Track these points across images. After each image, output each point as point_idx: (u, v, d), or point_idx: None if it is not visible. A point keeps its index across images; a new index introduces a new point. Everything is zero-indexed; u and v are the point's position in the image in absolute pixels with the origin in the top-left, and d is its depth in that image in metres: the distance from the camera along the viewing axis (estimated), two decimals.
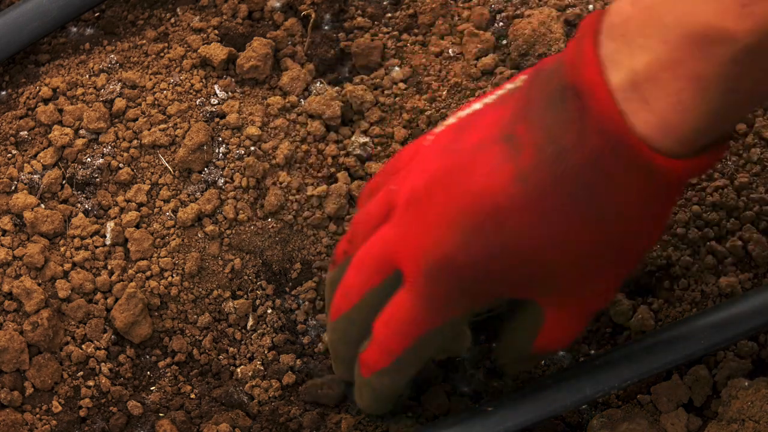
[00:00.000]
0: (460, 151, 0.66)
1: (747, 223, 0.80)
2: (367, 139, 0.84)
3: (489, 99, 0.68)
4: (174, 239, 0.81)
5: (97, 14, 0.90)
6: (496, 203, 0.64)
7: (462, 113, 0.69)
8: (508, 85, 0.67)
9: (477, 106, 0.68)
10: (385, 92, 0.85)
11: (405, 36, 0.88)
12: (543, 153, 0.62)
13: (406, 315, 0.70)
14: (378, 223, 0.72)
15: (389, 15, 0.89)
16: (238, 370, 0.80)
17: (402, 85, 0.86)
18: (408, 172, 0.70)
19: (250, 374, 0.80)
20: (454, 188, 0.66)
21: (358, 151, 0.84)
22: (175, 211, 0.81)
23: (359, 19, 0.88)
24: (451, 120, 0.70)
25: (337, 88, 0.86)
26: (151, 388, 0.79)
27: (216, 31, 0.87)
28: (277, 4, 0.88)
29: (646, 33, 0.58)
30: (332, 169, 0.84)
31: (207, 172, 0.82)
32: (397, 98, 0.85)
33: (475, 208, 0.65)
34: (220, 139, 0.82)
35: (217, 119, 0.83)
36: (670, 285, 0.80)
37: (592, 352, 0.80)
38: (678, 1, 0.56)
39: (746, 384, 0.74)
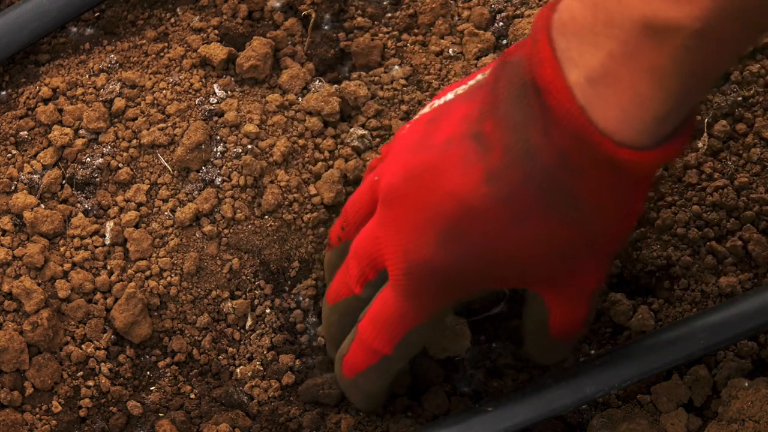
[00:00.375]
0: (431, 148, 0.66)
1: (747, 223, 0.80)
2: (365, 132, 0.84)
3: (461, 89, 0.68)
4: (173, 239, 0.81)
5: (97, 14, 0.90)
6: (469, 204, 0.65)
7: (436, 102, 0.70)
8: (479, 75, 0.67)
9: (449, 96, 0.68)
10: (385, 87, 0.86)
11: (405, 36, 0.87)
12: (511, 152, 0.62)
13: (391, 313, 0.71)
14: (367, 210, 0.73)
15: (389, 15, 0.89)
16: (238, 370, 0.80)
17: (402, 81, 0.86)
18: (387, 164, 0.70)
19: (249, 374, 0.80)
20: (427, 188, 0.66)
21: (355, 143, 0.84)
22: (173, 211, 0.81)
23: (359, 18, 0.88)
24: (425, 109, 0.70)
25: (335, 85, 0.86)
26: (151, 388, 0.79)
27: (216, 31, 0.87)
28: (277, 4, 0.88)
29: (596, 30, 0.58)
30: (330, 162, 0.84)
31: (205, 170, 0.82)
32: (396, 92, 0.85)
33: (449, 210, 0.65)
34: (218, 137, 0.82)
35: (215, 118, 0.83)
36: (670, 285, 0.80)
37: (593, 352, 0.80)
38: None
39: (746, 384, 0.74)
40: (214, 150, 0.82)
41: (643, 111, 0.59)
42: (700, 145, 0.81)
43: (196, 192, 0.82)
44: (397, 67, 0.86)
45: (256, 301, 0.81)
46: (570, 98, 0.60)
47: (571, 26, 0.59)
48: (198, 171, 0.82)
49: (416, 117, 0.71)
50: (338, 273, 0.76)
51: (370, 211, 0.73)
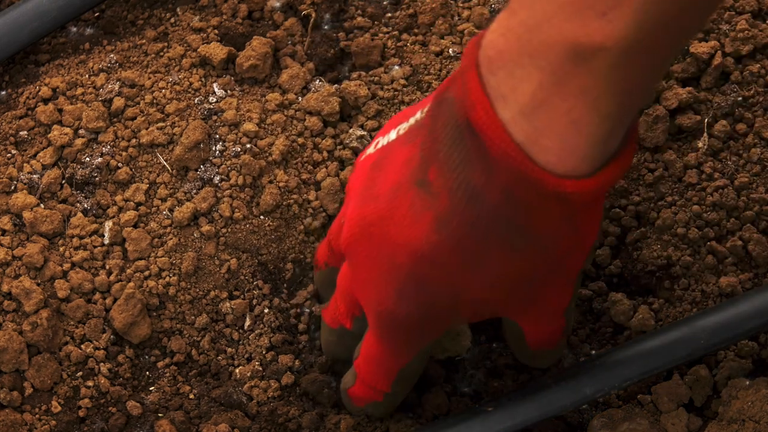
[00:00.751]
0: (379, 198, 0.66)
1: (747, 223, 0.79)
2: (364, 132, 0.84)
3: (403, 127, 0.68)
4: (171, 239, 0.81)
5: (96, 14, 0.90)
6: (422, 254, 0.65)
7: (380, 140, 0.70)
8: (418, 113, 0.67)
9: (392, 135, 0.68)
10: (385, 87, 0.85)
11: (405, 36, 0.87)
12: (456, 196, 0.62)
13: (378, 355, 0.72)
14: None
15: (389, 15, 0.89)
16: (237, 370, 0.80)
17: (402, 81, 0.86)
18: (347, 209, 0.71)
19: (248, 374, 0.80)
20: (380, 241, 0.66)
21: (354, 144, 0.84)
22: (171, 210, 0.81)
23: (359, 18, 0.88)
24: (370, 149, 0.70)
25: (335, 85, 0.86)
26: (150, 389, 0.79)
27: (216, 31, 0.87)
28: (277, 4, 0.88)
29: (522, 62, 0.58)
30: (328, 163, 0.83)
31: (203, 169, 0.82)
32: (397, 93, 0.85)
33: (404, 262, 0.66)
34: (217, 136, 0.82)
35: (214, 117, 0.83)
36: (670, 285, 0.80)
37: (593, 352, 0.80)
38: (543, 27, 0.56)
39: (747, 384, 0.74)
40: (213, 149, 0.82)
41: (581, 137, 0.58)
42: (700, 145, 0.81)
43: (195, 191, 0.82)
44: (397, 67, 0.86)
45: (254, 301, 0.81)
46: (505, 138, 0.59)
47: (498, 61, 0.59)
48: (196, 170, 0.82)
49: (363, 156, 0.71)
50: (332, 300, 0.76)
51: None
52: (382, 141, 0.69)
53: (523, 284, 0.66)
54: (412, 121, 0.67)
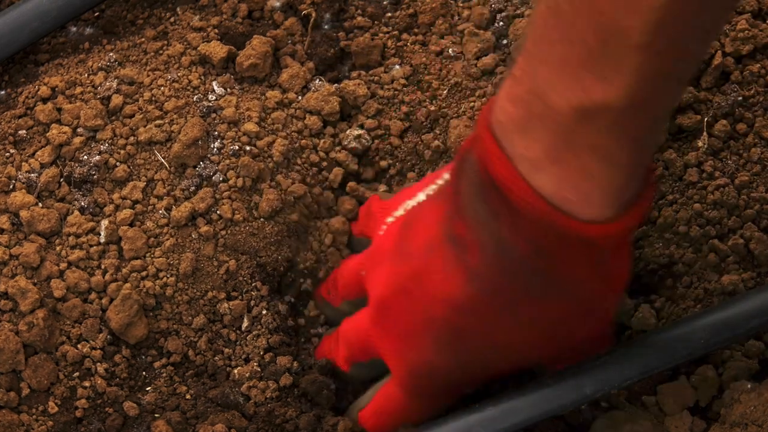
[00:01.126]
0: (412, 255, 0.70)
1: (748, 222, 0.79)
2: (362, 132, 0.84)
3: (430, 189, 0.72)
4: (168, 239, 0.80)
5: (96, 14, 0.90)
6: (458, 305, 0.68)
7: (408, 203, 0.74)
8: (445, 175, 0.70)
9: (421, 196, 0.73)
10: (385, 87, 0.86)
11: (405, 35, 0.88)
12: (487, 249, 0.65)
13: (396, 409, 0.75)
14: (353, 291, 0.78)
15: (389, 14, 0.89)
16: (235, 371, 0.79)
17: (402, 81, 0.86)
18: (373, 271, 0.74)
19: (246, 375, 0.79)
20: (417, 297, 0.70)
21: (353, 144, 0.84)
22: (168, 209, 0.81)
23: (359, 18, 0.89)
24: (399, 211, 0.74)
25: (335, 84, 0.86)
26: (147, 389, 0.79)
27: (216, 31, 0.87)
28: (277, 4, 0.89)
29: (533, 126, 0.61)
30: (324, 164, 0.84)
31: (202, 166, 0.82)
32: (397, 92, 0.85)
33: (440, 314, 0.69)
34: (216, 133, 0.82)
35: (213, 114, 0.83)
36: (672, 283, 0.80)
37: None
38: (548, 94, 0.59)
39: (749, 386, 0.74)
40: (212, 146, 0.82)
41: (598, 188, 0.61)
42: (700, 144, 0.81)
43: (193, 188, 0.81)
44: (397, 66, 0.86)
45: (252, 302, 0.81)
46: (527, 189, 0.62)
47: (510, 125, 0.62)
48: (195, 167, 0.82)
49: (392, 218, 0.75)
50: (332, 349, 0.79)
51: (357, 291, 0.77)
52: (410, 203, 0.73)
53: (559, 330, 0.68)
54: (440, 182, 0.71)
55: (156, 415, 0.78)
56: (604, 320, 0.71)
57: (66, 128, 0.83)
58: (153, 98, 0.84)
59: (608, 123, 0.58)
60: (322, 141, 0.84)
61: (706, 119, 0.81)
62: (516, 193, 0.62)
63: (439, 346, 0.70)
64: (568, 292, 0.66)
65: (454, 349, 0.70)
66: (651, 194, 0.65)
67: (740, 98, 0.81)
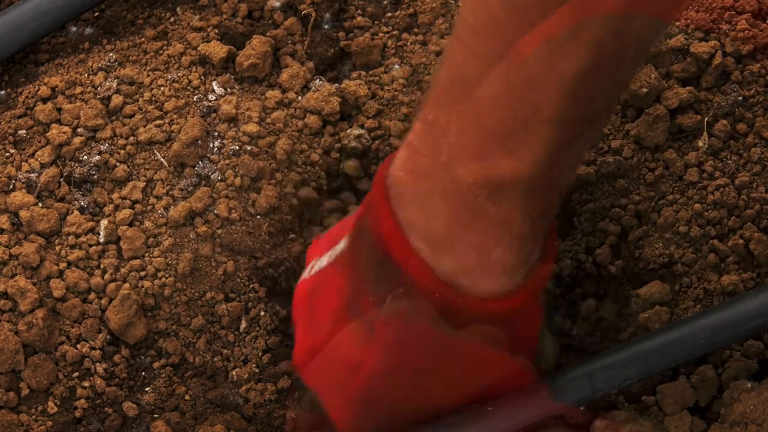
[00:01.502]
0: (321, 326, 0.69)
1: (748, 222, 0.79)
2: (362, 131, 0.84)
3: (332, 254, 0.69)
4: (167, 239, 0.80)
5: (96, 14, 0.90)
6: (371, 377, 0.67)
7: (314, 264, 0.71)
8: (344, 241, 0.68)
9: (323, 262, 0.70)
10: (385, 87, 0.86)
11: (405, 35, 0.88)
12: (391, 327, 0.64)
13: None
14: None
15: (389, 14, 0.89)
16: (233, 372, 0.79)
17: (402, 81, 0.86)
18: (296, 333, 0.73)
19: (245, 377, 0.79)
20: (330, 365, 0.69)
21: (353, 143, 0.84)
22: (167, 209, 0.81)
23: (359, 18, 0.88)
24: (305, 274, 0.72)
25: (335, 84, 0.86)
26: (146, 389, 0.79)
27: (216, 30, 0.87)
28: (277, 4, 0.89)
29: (433, 200, 0.60)
30: (321, 163, 0.84)
31: (201, 165, 0.82)
32: (396, 92, 0.85)
33: (356, 384, 0.68)
34: (216, 133, 0.82)
35: (213, 114, 0.83)
36: (672, 283, 0.79)
37: (594, 351, 0.79)
38: (452, 167, 0.58)
39: (749, 386, 0.74)
40: (211, 146, 0.82)
41: (499, 262, 0.61)
42: (700, 144, 0.81)
43: (191, 187, 0.81)
44: (397, 66, 0.86)
45: (249, 304, 0.81)
46: (425, 271, 0.61)
47: (407, 197, 0.61)
48: (194, 166, 0.82)
49: (301, 279, 0.73)
50: None
51: None
52: (316, 265, 0.71)
53: (476, 381, 0.68)
54: (339, 247, 0.68)
55: (155, 416, 0.78)
56: (520, 364, 0.70)
57: (66, 128, 0.83)
58: (153, 98, 0.84)
59: (514, 197, 0.58)
60: (322, 140, 0.84)
61: (706, 119, 0.81)
62: (413, 273, 0.61)
63: (363, 402, 0.69)
64: (476, 355, 0.65)
65: (376, 402, 0.69)
66: (551, 261, 0.64)
67: (740, 98, 0.81)
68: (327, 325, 0.68)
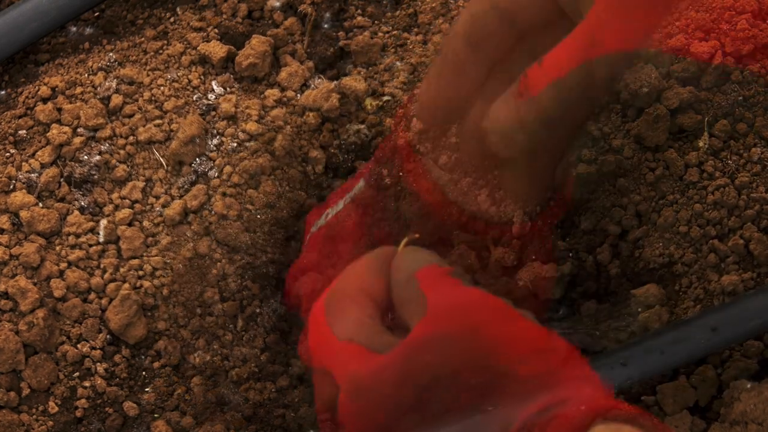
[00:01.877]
0: (339, 266, 0.69)
1: (748, 222, 0.79)
2: (361, 126, 0.84)
3: (350, 195, 0.72)
4: (164, 237, 0.80)
5: (96, 14, 0.90)
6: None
7: (329, 214, 0.74)
8: (359, 184, 0.71)
9: (339, 206, 0.73)
10: (385, 85, 0.86)
11: (405, 35, 0.88)
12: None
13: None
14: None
15: (389, 14, 0.89)
16: (233, 372, 0.79)
17: (402, 79, 0.86)
18: (303, 277, 0.74)
19: (245, 376, 0.79)
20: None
21: (353, 138, 0.84)
22: (165, 206, 0.81)
23: (359, 18, 0.88)
24: (321, 221, 0.74)
25: (335, 82, 0.86)
26: (147, 389, 0.79)
27: (216, 30, 0.87)
28: (277, 4, 0.88)
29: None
30: (321, 160, 0.84)
31: (198, 162, 0.82)
32: (397, 90, 0.85)
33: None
34: (215, 131, 0.82)
35: (212, 112, 0.83)
36: (672, 283, 0.79)
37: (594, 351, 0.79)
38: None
39: (749, 386, 0.74)
40: (210, 143, 0.82)
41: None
42: (701, 144, 0.81)
43: (188, 185, 0.81)
44: (397, 63, 0.86)
45: (245, 302, 0.81)
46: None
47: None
48: (191, 164, 0.82)
49: (315, 228, 0.75)
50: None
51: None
52: (330, 211, 0.74)
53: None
54: (357, 187, 0.73)
55: (156, 416, 0.78)
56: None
57: (66, 128, 0.83)
58: (153, 98, 0.84)
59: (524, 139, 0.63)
60: (321, 136, 0.84)
61: (706, 119, 0.81)
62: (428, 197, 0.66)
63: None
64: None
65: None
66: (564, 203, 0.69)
67: (740, 98, 0.81)
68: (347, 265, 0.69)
